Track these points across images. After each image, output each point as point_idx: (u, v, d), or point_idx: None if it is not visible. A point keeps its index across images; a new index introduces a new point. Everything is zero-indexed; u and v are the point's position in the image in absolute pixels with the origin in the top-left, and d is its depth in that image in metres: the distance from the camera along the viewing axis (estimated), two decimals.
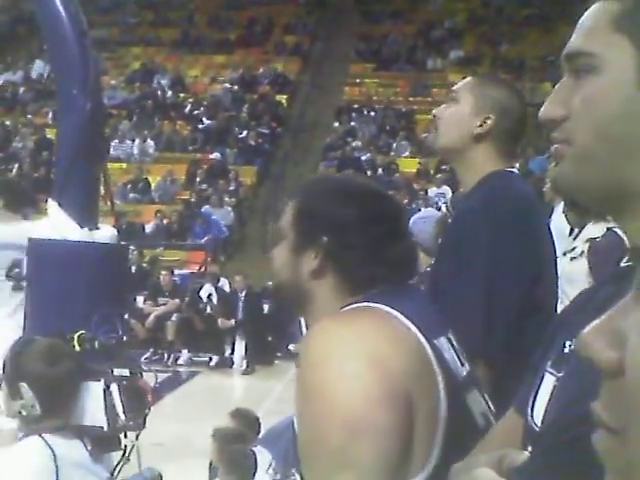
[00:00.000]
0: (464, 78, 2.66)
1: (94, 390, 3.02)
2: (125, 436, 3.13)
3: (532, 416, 1.14)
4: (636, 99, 1.04)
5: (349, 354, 1.45)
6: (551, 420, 1.07)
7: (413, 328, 1.54)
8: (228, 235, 17.91)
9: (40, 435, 2.78)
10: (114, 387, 3.02)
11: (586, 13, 1.11)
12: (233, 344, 13.32)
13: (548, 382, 1.12)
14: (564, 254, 4.62)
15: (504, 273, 2.26)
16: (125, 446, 3.12)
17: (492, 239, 2.27)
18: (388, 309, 1.56)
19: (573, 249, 4.83)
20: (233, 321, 13.39)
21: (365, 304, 1.58)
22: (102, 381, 3.02)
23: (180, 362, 13.26)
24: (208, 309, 13.81)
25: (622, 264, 1.11)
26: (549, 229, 2.66)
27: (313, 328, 1.53)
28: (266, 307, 14.05)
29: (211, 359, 13.35)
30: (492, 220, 2.30)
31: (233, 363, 13.17)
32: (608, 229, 5.25)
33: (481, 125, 2.48)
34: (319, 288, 1.65)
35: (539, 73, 21.76)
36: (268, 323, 13.79)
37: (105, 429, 3.00)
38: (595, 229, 5.18)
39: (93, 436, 2.98)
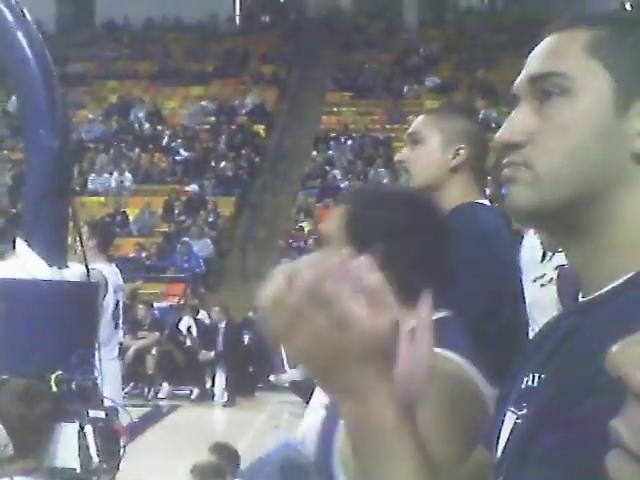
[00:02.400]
0: (441, 104, 2.68)
1: (68, 431, 3.01)
2: (99, 479, 3.11)
3: (497, 452, 1.14)
4: (612, 126, 1.04)
5: None
6: (509, 452, 1.07)
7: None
8: (208, 266, 17.88)
9: (11, 478, 2.76)
10: (89, 429, 3.00)
11: (548, 39, 1.11)
12: (214, 376, 13.27)
13: (509, 420, 1.11)
14: (534, 280, 4.62)
15: (458, 306, 2.26)
16: None
17: None
18: None
19: (543, 276, 4.85)
20: (213, 353, 13.35)
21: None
22: (77, 422, 3.00)
23: (160, 396, 13.19)
24: (188, 342, 13.76)
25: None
26: (516, 259, 2.67)
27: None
28: (246, 338, 14.02)
29: (192, 392, 13.29)
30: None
31: (214, 395, 13.11)
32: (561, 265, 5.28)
33: (454, 157, 2.49)
34: None
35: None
36: (249, 354, 13.75)
37: (78, 471, 2.98)
38: (563, 256, 5.19)
39: (65, 478, 2.96)
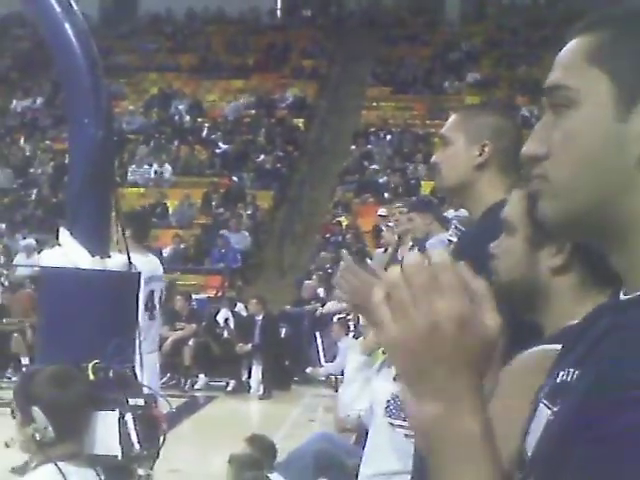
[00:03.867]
0: (481, 100, 2.67)
1: (109, 419, 3.03)
2: (139, 466, 3.13)
3: (525, 445, 1.14)
4: (615, 131, 1.04)
5: None
6: (543, 453, 1.06)
7: None
8: (245, 259, 17.95)
9: (55, 463, 2.79)
10: (129, 417, 3.02)
11: (564, 48, 1.13)
12: (250, 369, 13.31)
13: (541, 413, 1.11)
14: None
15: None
16: (140, 476, 3.12)
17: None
18: None
19: None
20: (250, 346, 13.39)
21: None
22: (117, 410, 3.03)
23: (197, 387, 13.26)
24: (225, 334, 13.82)
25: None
26: None
27: None
28: (283, 331, 14.05)
29: (228, 384, 13.34)
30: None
31: (250, 388, 13.16)
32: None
33: (480, 154, 2.49)
34: (559, 286, 1.50)
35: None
36: (285, 348, 13.78)
37: (119, 458, 3.00)
38: None
39: (106, 465, 2.98)
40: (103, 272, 3.65)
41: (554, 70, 1.12)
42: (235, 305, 14.44)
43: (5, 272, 16.68)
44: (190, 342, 13.57)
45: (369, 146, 21.84)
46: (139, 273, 3.94)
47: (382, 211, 18.21)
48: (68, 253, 3.71)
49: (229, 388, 13.26)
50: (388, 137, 22.09)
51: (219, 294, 15.97)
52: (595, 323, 1.11)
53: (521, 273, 1.54)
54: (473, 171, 2.48)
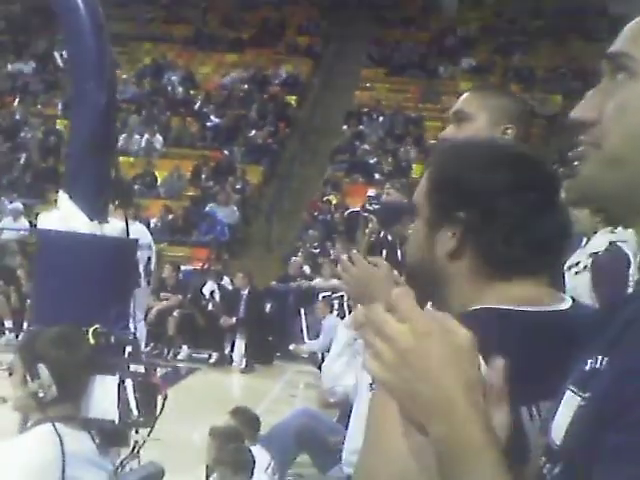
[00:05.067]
0: (475, 86, 2.66)
1: (108, 383, 3.04)
2: (136, 432, 3.15)
3: (551, 434, 1.13)
4: None
5: None
6: (576, 441, 1.06)
7: None
8: (232, 233, 17.93)
9: (52, 423, 2.81)
10: (129, 382, 3.04)
11: (636, 19, 1.12)
12: (233, 342, 13.34)
13: (569, 400, 1.10)
14: (569, 268, 4.61)
15: None
16: (136, 442, 3.14)
17: None
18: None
19: (577, 263, 4.83)
20: (234, 319, 13.41)
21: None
22: (117, 375, 3.04)
23: (180, 358, 13.28)
24: (210, 306, 13.83)
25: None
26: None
27: None
28: (268, 307, 14.08)
29: (210, 356, 13.37)
30: None
31: (232, 361, 13.19)
32: (611, 243, 5.24)
33: (502, 136, 2.47)
34: (455, 270, 1.46)
35: (550, 85, 21.78)
36: (269, 323, 13.82)
37: (116, 423, 3.02)
38: (598, 243, 5.17)
39: (101, 429, 3.00)
40: (101, 237, 3.66)
41: (621, 38, 1.11)
42: (221, 278, 14.44)
43: None
44: (175, 313, 13.59)
45: (361, 126, 21.79)
46: (136, 240, 3.96)
47: (372, 192, 18.24)
48: (66, 217, 3.72)
49: (211, 360, 13.29)
50: (380, 118, 22.04)
51: (205, 267, 15.95)
52: (623, 309, 1.11)
53: (421, 256, 1.51)
54: None
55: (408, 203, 6.35)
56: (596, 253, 5.00)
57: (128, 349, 3.21)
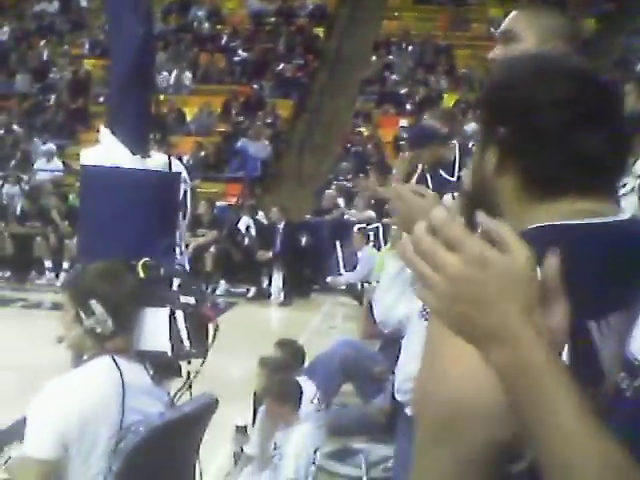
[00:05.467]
0: (505, 13, 2.59)
1: (160, 316, 3.04)
2: (189, 363, 3.17)
3: (630, 348, 1.11)
4: None
5: None
6: None
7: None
8: (264, 168, 17.91)
9: (112, 356, 2.84)
10: (180, 314, 3.04)
11: None
12: (270, 276, 13.39)
13: None
14: None
15: None
16: (189, 373, 3.16)
17: None
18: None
19: (624, 185, 4.75)
20: (271, 253, 13.45)
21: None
22: (168, 307, 3.04)
23: (218, 293, 13.37)
24: (246, 241, 13.87)
25: None
26: None
27: None
28: (303, 240, 14.10)
29: (248, 290, 13.45)
30: None
31: (270, 295, 13.26)
32: None
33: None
34: (502, 188, 1.43)
35: (581, 8, 21.33)
36: (305, 256, 13.84)
37: (169, 355, 3.04)
38: None
39: (155, 362, 3.02)
40: (145, 171, 3.65)
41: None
42: (256, 213, 14.46)
43: (25, 177, 16.70)
44: (212, 249, 13.64)
45: (390, 57, 21.54)
46: (179, 173, 3.94)
47: (403, 122, 18.12)
48: (109, 152, 3.70)
49: (249, 295, 13.37)
50: (410, 48, 21.76)
51: (239, 202, 15.97)
52: None
53: (476, 174, 1.49)
54: None
55: (439, 129, 6.28)
56: None
57: (178, 281, 3.22)
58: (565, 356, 1.17)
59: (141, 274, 3.12)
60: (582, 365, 1.09)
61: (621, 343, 1.17)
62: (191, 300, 3.11)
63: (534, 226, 1.35)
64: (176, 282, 3.20)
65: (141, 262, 3.16)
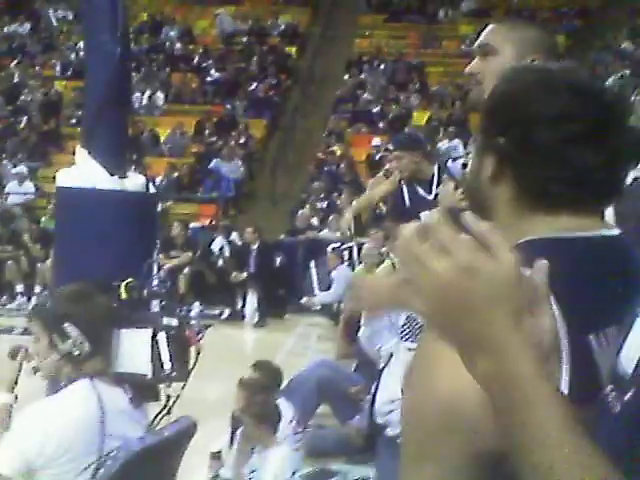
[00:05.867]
0: (476, 30, 2.60)
1: (141, 337, 3.00)
2: (169, 386, 3.12)
3: (620, 361, 1.10)
4: None
5: None
6: None
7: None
8: (238, 188, 17.87)
9: (90, 378, 2.78)
10: (162, 336, 3.00)
11: None
12: (244, 297, 13.32)
13: (639, 326, 1.07)
14: None
15: None
16: (169, 396, 3.11)
17: None
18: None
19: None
20: (245, 274, 13.38)
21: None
22: (150, 329, 3.00)
23: (191, 315, 13.26)
24: (220, 262, 13.80)
25: None
26: None
27: None
28: (277, 260, 14.05)
29: (222, 312, 13.36)
30: None
31: (244, 316, 13.18)
32: (635, 179, 5.20)
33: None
34: (497, 196, 1.44)
35: (552, 24, 21.53)
36: (279, 276, 13.78)
37: (148, 377, 2.99)
38: None
39: (134, 384, 2.97)
40: (124, 192, 3.62)
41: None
42: (230, 234, 14.40)
43: None
44: (185, 270, 13.56)
45: (362, 75, 21.62)
46: (157, 194, 3.91)
47: (376, 141, 18.16)
48: (86, 173, 3.67)
49: (224, 316, 13.28)
50: (382, 66, 21.86)
51: (213, 223, 15.91)
52: None
53: (472, 181, 1.49)
54: None
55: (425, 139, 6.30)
56: None
57: (158, 302, 3.18)
58: (565, 371, 1.16)
59: (124, 295, 3.09)
60: (583, 380, 1.07)
61: (612, 358, 1.16)
62: (174, 322, 3.06)
63: (527, 239, 1.35)
64: (156, 303, 3.16)
65: (124, 283, 3.12)
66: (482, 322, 0.97)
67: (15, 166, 17.77)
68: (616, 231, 1.46)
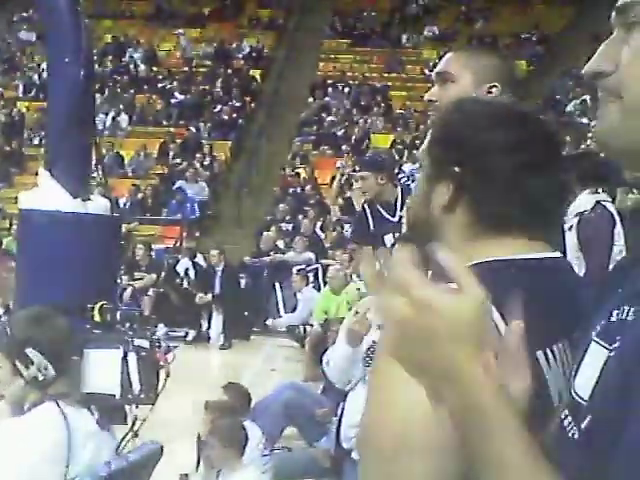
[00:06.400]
0: (439, 54, 2.63)
1: (112, 358, 2.98)
2: (137, 407, 3.09)
3: (575, 388, 1.10)
4: None
5: None
6: (603, 391, 1.03)
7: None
8: (202, 210, 17.83)
9: (56, 401, 2.76)
10: (132, 357, 2.97)
11: None
12: (210, 319, 13.27)
13: (595, 353, 1.07)
14: None
15: None
16: (135, 418, 3.08)
17: None
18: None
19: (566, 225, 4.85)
20: (210, 296, 13.33)
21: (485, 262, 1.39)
22: (121, 349, 2.97)
23: (156, 337, 13.16)
24: (185, 284, 13.74)
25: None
26: None
27: None
28: (243, 282, 14.02)
29: (187, 334, 13.28)
30: None
31: (210, 338, 13.12)
32: (597, 202, 5.27)
33: (488, 94, 2.46)
34: (449, 224, 1.47)
35: (513, 50, 21.77)
36: (245, 298, 13.75)
37: (116, 397, 2.96)
38: (584, 202, 5.20)
39: (101, 405, 2.95)
40: (87, 215, 3.59)
41: None
42: (195, 256, 14.35)
43: None
44: (150, 292, 13.49)
45: (327, 98, 21.72)
46: (120, 217, 3.89)
47: (340, 163, 18.21)
48: (49, 195, 3.64)
49: (189, 338, 13.20)
50: (346, 89, 21.98)
51: (178, 244, 15.85)
52: None
53: (421, 209, 1.53)
54: None
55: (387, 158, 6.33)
56: (582, 213, 5.03)
57: (132, 324, 3.16)
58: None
59: (97, 317, 3.07)
60: (534, 396, 1.09)
61: (565, 377, 1.18)
62: (145, 343, 3.05)
63: (480, 261, 1.38)
64: (126, 325, 3.15)
65: (98, 305, 3.11)
66: (444, 355, 0.99)
67: None
68: (558, 253, 1.54)
